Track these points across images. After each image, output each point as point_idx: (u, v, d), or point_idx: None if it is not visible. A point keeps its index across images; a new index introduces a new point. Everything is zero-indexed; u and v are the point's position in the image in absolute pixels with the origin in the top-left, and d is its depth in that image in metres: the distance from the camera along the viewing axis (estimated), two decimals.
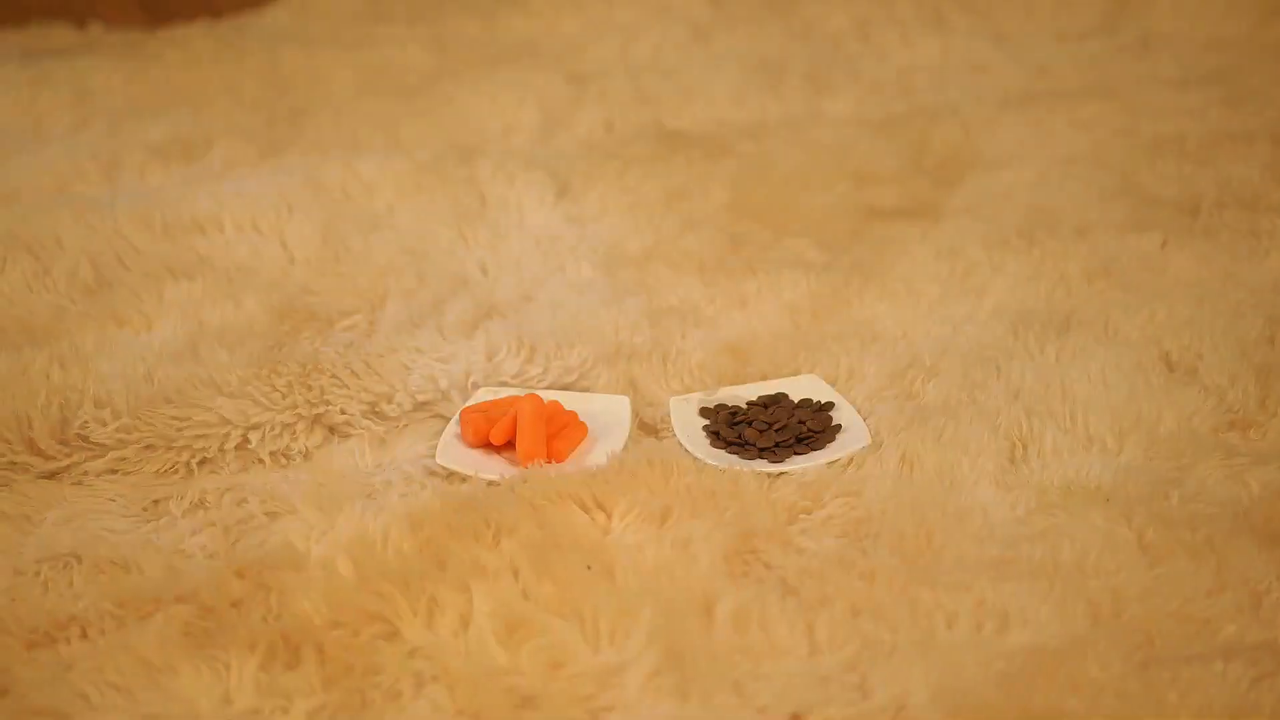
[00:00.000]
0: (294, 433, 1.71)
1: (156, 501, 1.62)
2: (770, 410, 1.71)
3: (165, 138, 2.51)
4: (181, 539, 1.55)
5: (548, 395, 1.74)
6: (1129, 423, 1.67)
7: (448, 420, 1.73)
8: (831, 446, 1.65)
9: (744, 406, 1.73)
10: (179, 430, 1.68)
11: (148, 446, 1.68)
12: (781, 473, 1.61)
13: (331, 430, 1.73)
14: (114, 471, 1.67)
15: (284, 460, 1.70)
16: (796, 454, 1.65)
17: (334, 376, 1.75)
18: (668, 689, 1.30)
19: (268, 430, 1.70)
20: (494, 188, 2.29)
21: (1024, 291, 1.99)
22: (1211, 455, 1.61)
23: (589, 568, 1.44)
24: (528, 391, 1.75)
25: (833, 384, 1.78)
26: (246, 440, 1.70)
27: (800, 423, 1.68)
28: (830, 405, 1.72)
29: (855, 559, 1.46)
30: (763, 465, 1.62)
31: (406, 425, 1.75)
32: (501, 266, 2.09)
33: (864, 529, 1.51)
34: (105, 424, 1.67)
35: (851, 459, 1.63)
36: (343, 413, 1.73)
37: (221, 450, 1.69)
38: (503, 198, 2.28)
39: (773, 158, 2.43)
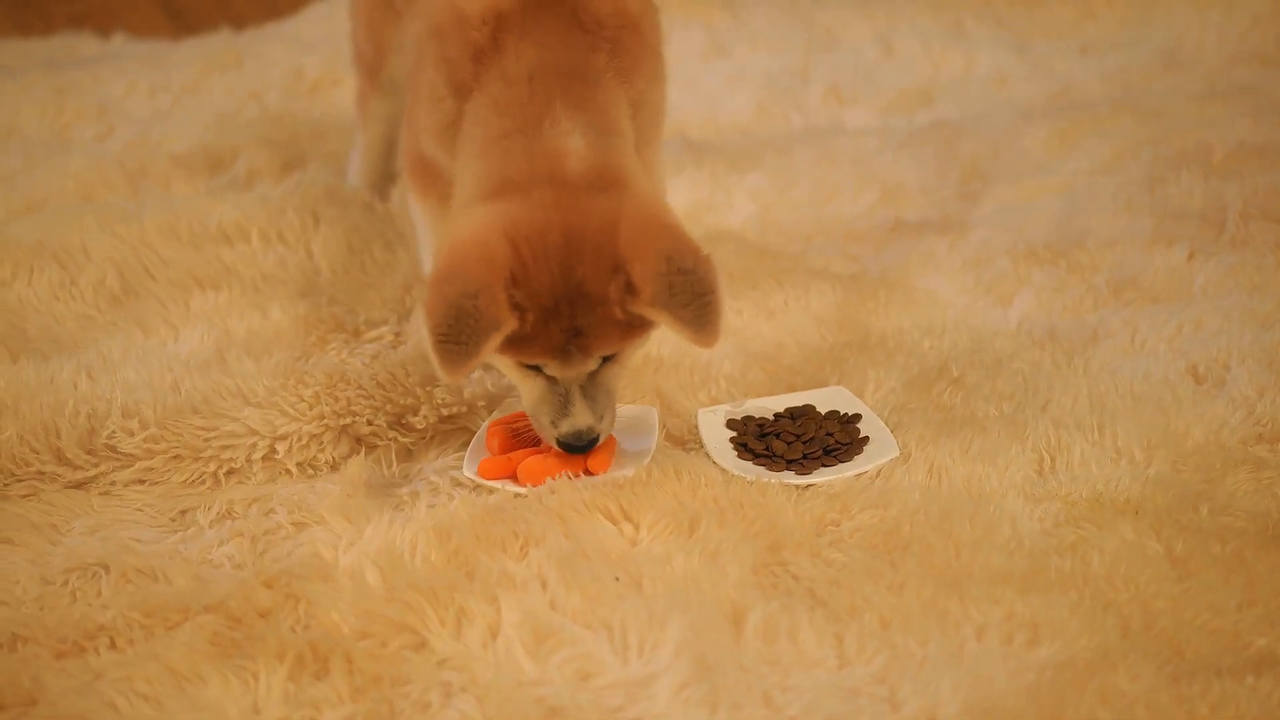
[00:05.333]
0: (321, 443, 1.72)
1: (184, 511, 1.63)
2: (798, 422, 1.71)
3: (190, 147, 2.52)
4: (209, 549, 1.55)
5: None
6: (1157, 435, 1.66)
7: (474, 432, 1.73)
8: (859, 458, 1.65)
9: (771, 418, 1.73)
10: (206, 440, 1.69)
11: (175, 456, 1.68)
12: (809, 484, 1.61)
13: (358, 441, 1.73)
14: (141, 481, 1.67)
15: (311, 471, 1.70)
16: (824, 466, 1.64)
17: (360, 388, 1.75)
18: (696, 700, 1.30)
19: (295, 441, 1.70)
20: None
21: (1051, 303, 1.99)
22: (1240, 468, 1.61)
23: (617, 579, 1.44)
24: None
25: (860, 395, 1.77)
26: (274, 451, 1.70)
27: (828, 434, 1.68)
28: (857, 417, 1.72)
29: (884, 571, 1.46)
30: (790, 477, 1.62)
31: (433, 437, 1.75)
32: None
33: (892, 541, 1.51)
34: (133, 434, 1.68)
35: (879, 471, 1.63)
36: (369, 424, 1.73)
37: (249, 460, 1.69)
38: None
39: (798, 169, 2.43)
